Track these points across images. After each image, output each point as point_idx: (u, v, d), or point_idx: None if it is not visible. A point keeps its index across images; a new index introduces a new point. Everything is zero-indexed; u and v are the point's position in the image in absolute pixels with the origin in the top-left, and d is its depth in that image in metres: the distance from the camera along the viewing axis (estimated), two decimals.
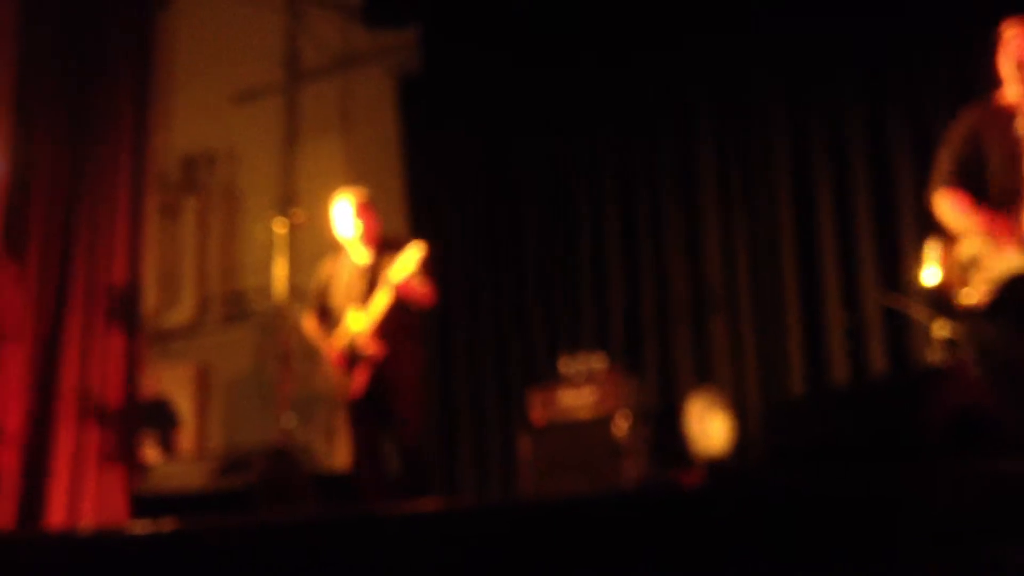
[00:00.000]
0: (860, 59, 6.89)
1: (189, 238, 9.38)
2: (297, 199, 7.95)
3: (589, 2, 7.49)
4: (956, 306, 3.79)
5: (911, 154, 6.52)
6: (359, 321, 5.27)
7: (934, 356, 5.51)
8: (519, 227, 7.88)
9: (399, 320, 5.26)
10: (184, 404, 8.38)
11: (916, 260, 5.21)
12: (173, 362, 8.83)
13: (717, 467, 5.71)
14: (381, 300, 5.21)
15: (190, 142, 9.19)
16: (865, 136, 6.88)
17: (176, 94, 8.08)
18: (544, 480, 5.79)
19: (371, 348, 5.24)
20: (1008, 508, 2.30)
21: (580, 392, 6.01)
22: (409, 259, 5.14)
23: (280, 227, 6.12)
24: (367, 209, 5.51)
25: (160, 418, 7.74)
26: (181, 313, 9.22)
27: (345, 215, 5.48)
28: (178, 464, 7.01)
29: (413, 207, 8.15)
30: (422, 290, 5.27)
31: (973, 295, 3.69)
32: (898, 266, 6.49)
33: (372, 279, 5.33)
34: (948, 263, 3.81)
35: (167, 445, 7.69)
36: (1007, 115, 3.62)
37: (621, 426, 5.71)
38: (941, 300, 3.89)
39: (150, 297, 8.14)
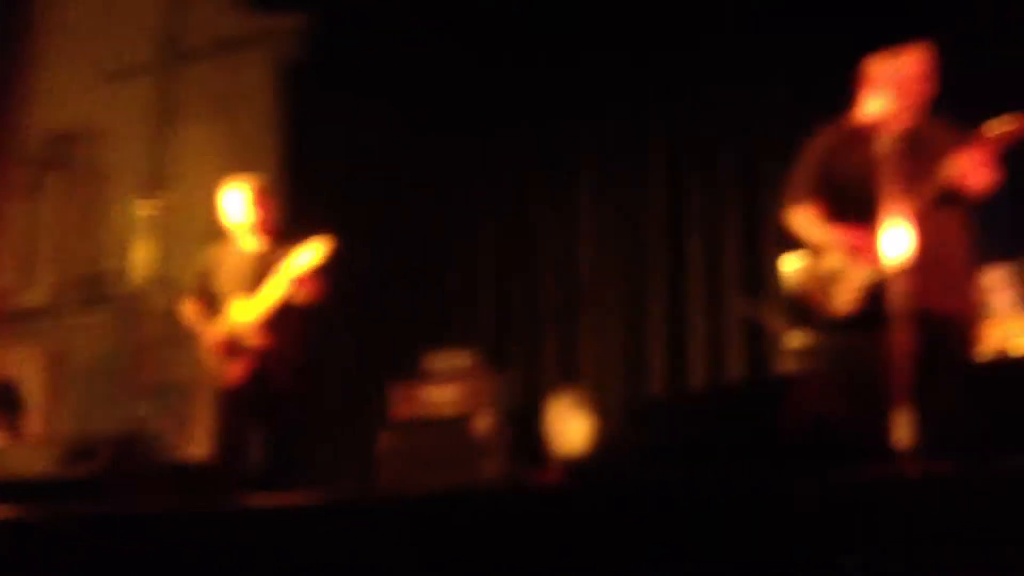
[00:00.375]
0: (732, 73, 7.04)
1: (49, 217, 9.05)
2: (167, 182, 7.74)
3: None
4: (815, 317, 3.89)
5: (780, 165, 6.67)
6: (245, 310, 5.15)
7: (788, 365, 5.65)
8: (392, 220, 7.81)
9: (287, 313, 5.16)
10: (35, 388, 8.09)
11: (777, 270, 5.34)
12: (26, 344, 8.52)
13: (576, 466, 5.75)
14: (273, 291, 5.10)
15: (58, 119, 8.87)
16: (737, 144, 7.03)
17: (47, 70, 7.80)
18: (402, 476, 5.75)
19: (256, 339, 5.12)
20: (850, 515, 2.36)
21: (443, 388, 5.98)
22: (311, 253, 5.04)
23: (144, 210, 5.93)
24: (265, 197, 5.39)
25: (4, 401, 7.46)
26: (37, 294, 8.89)
27: (239, 202, 5.34)
28: (24, 449, 6.76)
29: (290, 195, 8.01)
30: (315, 285, 5.17)
31: (833, 306, 3.80)
32: (761, 276, 6.63)
33: (263, 269, 5.19)
34: (808, 275, 3.92)
35: (12, 429, 7.41)
36: (863, 135, 3.75)
37: (482, 424, 5.72)
38: (800, 311, 3.99)
39: (5, 276, 7.85)
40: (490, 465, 5.69)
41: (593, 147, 7.43)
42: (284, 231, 5.37)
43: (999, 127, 3.53)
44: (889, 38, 3.98)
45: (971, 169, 3.54)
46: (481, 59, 7.58)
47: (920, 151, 3.73)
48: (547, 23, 7.37)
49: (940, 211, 3.67)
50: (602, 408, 6.60)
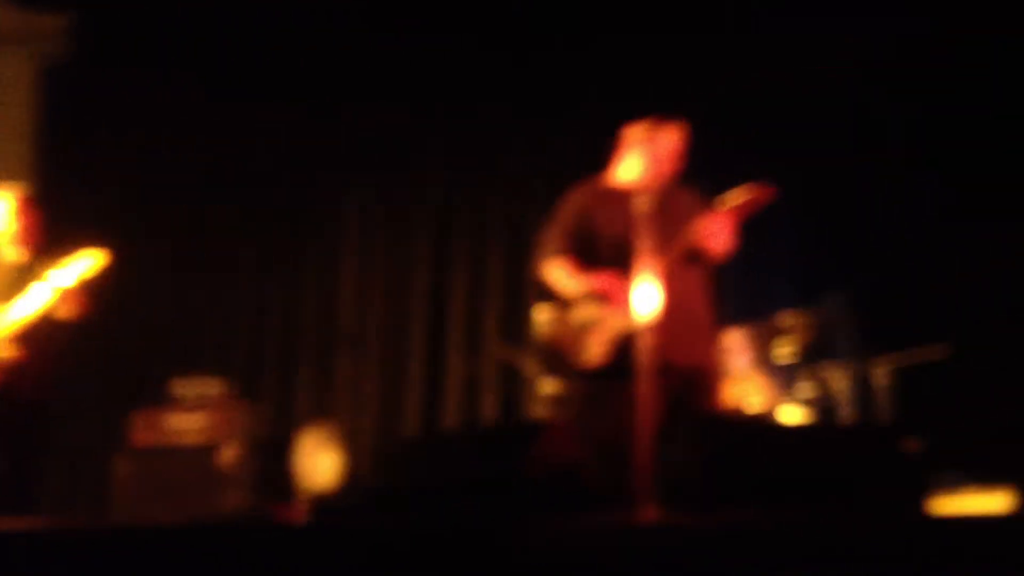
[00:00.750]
0: (508, 122, 7.22)
1: None
2: None
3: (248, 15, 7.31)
4: (566, 366, 3.98)
5: (543, 217, 6.84)
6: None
7: (540, 412, 5.77)
8: (149, 236, 7.52)
9: (43, 327, 4.86)
10: None
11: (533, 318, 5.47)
12: None
13: (322, 503, 5.67)
14: (32, 303, 4.80)
15: None
16: (504, 194, 7.19)
17: None
18: (139, 505, 5.51)
19: (6, 351, 4.81)
20: (586, 559, 2.41)
21: (190, 416, 5.78)
22: (82, 266, 4.77)
23: None
24: (29, 206, 5.11)
25: None
26: None
27: (1, 211, 5.04)
28: None
29: (44, 200, 7.57)
30: (81, 301, 4.89)
31: (584, 357, 3.90)
32: (519, 323, 6.76)
33: (21, 280, 4.89)
34: (560, 325, 4.01)
35: None
36: (617, 195, 3.92)
37: (227, 455, 5.55)
38: (552, 358, 4.08)
39: None
40: (233, 497, 5.53)
41: (360, 186, 7.41)
42: (47, 242, 5.10)
43: (736, 197, 3.75)
44: (643, 110, 4.18)
45: (713, 234, 3.74)
46: (255, 85, 7.45)
47: (670, 214, 3.92)
48: (324, 73, 7.33)
49: (686, 270, 3.86)
50: (353, 446, 6.54)
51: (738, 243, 3.84)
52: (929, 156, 6.41)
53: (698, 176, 4.21)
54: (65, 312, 4.89)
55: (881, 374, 5.71)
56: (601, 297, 3.86)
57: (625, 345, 3.76)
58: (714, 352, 4.10)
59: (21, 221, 5.08)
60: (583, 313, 3.93)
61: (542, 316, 4.10)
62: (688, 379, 3.76)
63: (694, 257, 3.86)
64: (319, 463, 6.07)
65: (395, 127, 7.38)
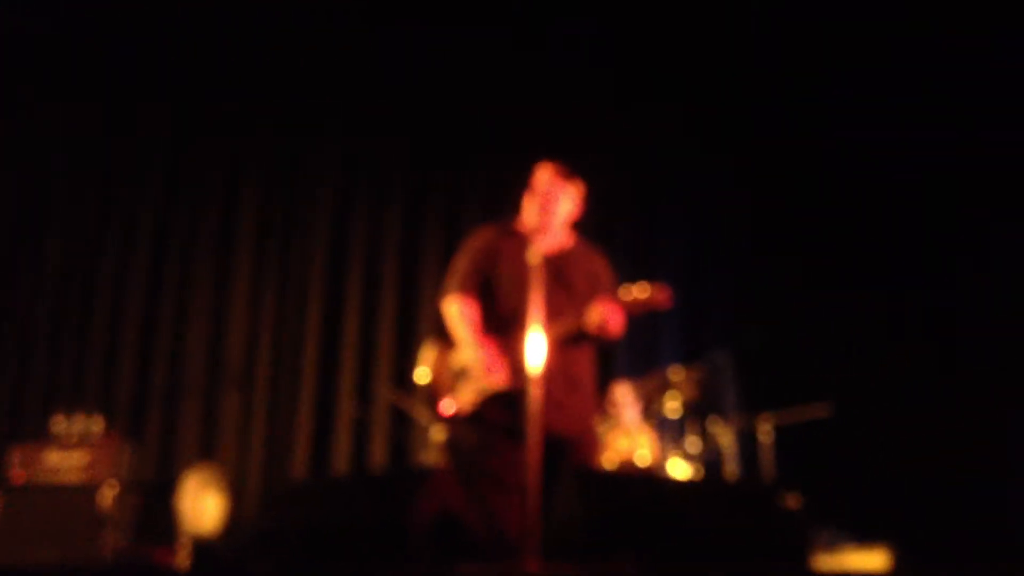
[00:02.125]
0: (402, 166, 7.28)
1: None
2: None
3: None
4: (441, 410, 3.98)
5: (439, 263, 6.89)
6: None
7: (430, 458, 5.76)
8: (35, 268, 7.35)
9: None
10: None
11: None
12: None
13: (203, 547, 5.56)
14: None
15: None
16: (398, 240, 7.22)
17: None
18: (15, 544, 5.32)
19: None
20: None
21: (69, 454, 5.62)
22: None
23: None
24: None
25: None
26: None
27: None
28: None
29: None
30: None
31: (458, 401, 3.91)
32: (411, 369, 6.76)
33: None
34: (441, 367, 4.01)
35: None
36: (521, 241, 3.92)
37: (107, 494, 5.42)
38: (433, 403, 4.07)
39: None
40: (113, 538, 5.39)
41: (252, 227, 7.34)
42: None
43: (632, 293, 3.80)
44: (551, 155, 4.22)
45: (604, 320, 3.78)
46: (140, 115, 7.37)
47: (567, 271, 3.96)
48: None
49: (573, 345, 3.90)
50: (238, 488, 6.44)
51: (626, 326, 3.89)
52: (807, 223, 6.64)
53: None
54: None
55: (765, 431, 5.83)
56: (480, 365, 3.86)
57: (501, 401, 3.78)
58: (592, 422, 4.13)
59: None
60: (464, 357, 3.94)
61: (427, 356, 4.08)
62: (565, 444, 3.79)
63: (583, 336, 3.90)
64: (203, 505, 5.96)
65: (288, 165, 7.37)
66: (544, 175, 4.07)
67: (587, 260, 4.12)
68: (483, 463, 3.79)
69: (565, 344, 3.86)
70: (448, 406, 3.90)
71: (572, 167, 4.12)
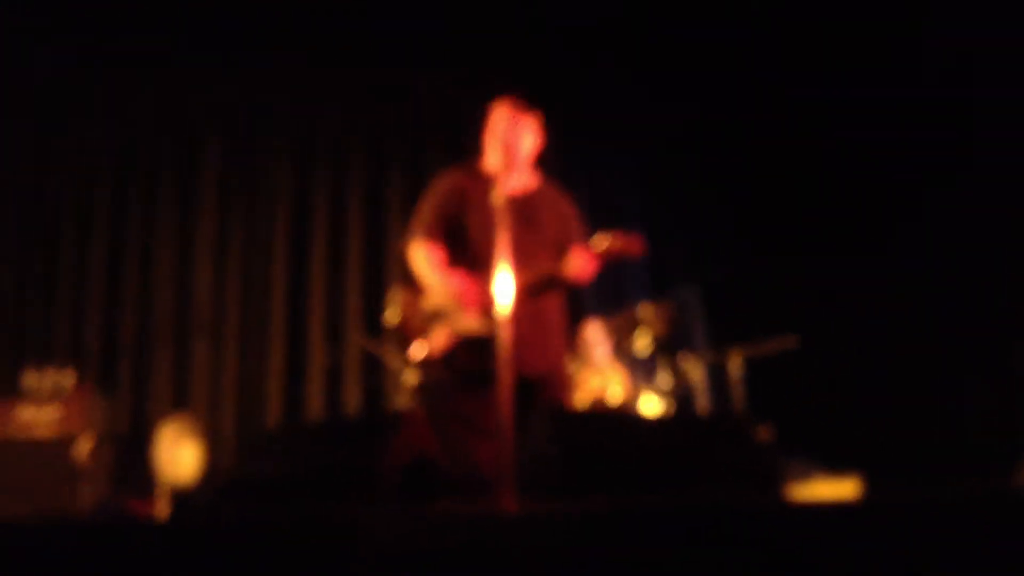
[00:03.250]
0: (365, 109, 7.22)
1: None
2: None
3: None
4: (413, 354, 4.00)
5: (404, 207, 6.87)
6: None
7: (403, 402, 5.78)
8: None
9: None
10: None
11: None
12: None
13: (182, 496, 5.58)
14: None
15: None
16: (363, 184, 7.20)
17: None
18: None
19: None
20: (443, 551, 2.44)
21: (42, 408, 5.62)
22: None
23: None
24: None
25: None
26: None
27: None
28: None
29: None
30: None
31: (430, 345, 3.92)
32: (381, 314, 6.76)
33: None
34: (412, 311, 4.01)
35: None
36: (487, 183, 3.89)
37: (82, 448, 5.42)
38: (405, 347, 4.08)
39: None
40: (89, 491, 5.40)
41: (216, 175, 7.29)
42: None
43: (606, 242, 3.80)
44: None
45: (579, 271, 3.80)
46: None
47: (532, 212, 3.95)
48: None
49: (543, 291, 3.92)
50: (213, 437, 6.46)
51: (597, 272, 3.90)
52: (783, 152, 6.63)
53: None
54: None
55: (735, 364, 5.89)
56: (454, 300, 3.87)
57: (472, 342, 3.79)
58: (562, 362, 4.15)
59: None
60: (435, 302, 3.94)
61: (396, 300, 4.08)
62: (536, 385, 3.81)
63: (553, 282, 3.92)
64: (178, 455, 5.97)
65: (251, 110, 7.31)
66: (502, 111, 4.04)
67: (555, 201, 4.11)
68: (455, 406, 3.82)
69: (537, 290, 3.87)
70: (419, 350, 3.92)
71: (527, 99, 4.09)
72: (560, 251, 3.94)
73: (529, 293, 3.82)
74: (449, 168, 4.24)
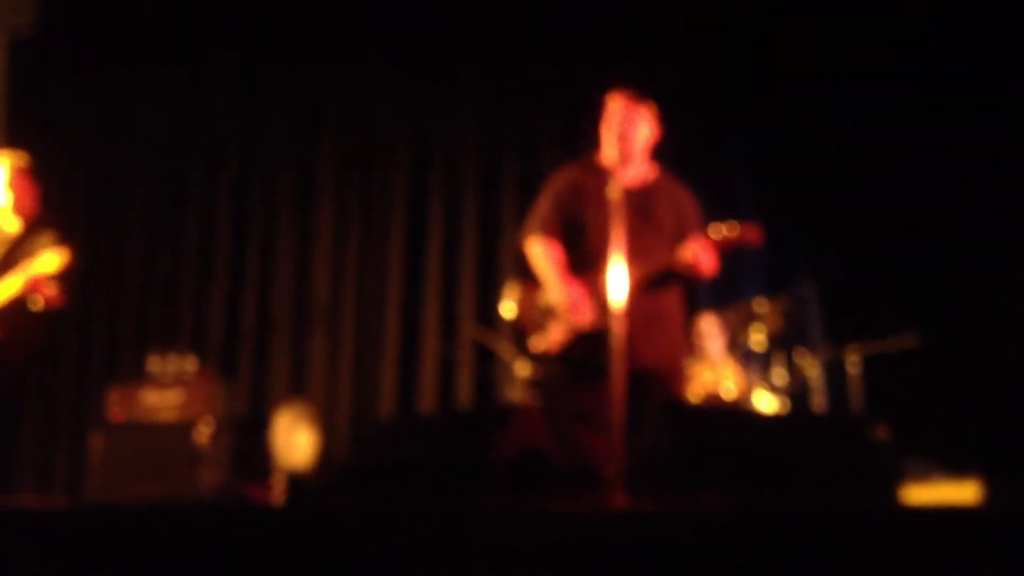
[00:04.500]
0: (480, 103, 7.24)
1: None
2: None
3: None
4: (530, 348, 3.99)
5: (519, 200, 6.87)
6: None
7: (515, 394, 5.80)
8: (125, 211, 7.52)
9: (21, 308, 4.75)
10: None
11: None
12: None
13: (297, 482, 5.69)
14: (12, 284, 4.69)
15: None
16: (478, 177, 7.22)
17: None
18: (115, 483, 5.51)
19: None
20: (553, 545, 2.44)
21: (165, 393, 5.78)
22: (47, 263, 4.66)
23: None
24: (24, 176, 4.94)
25: None
26: None
27: None
28: None
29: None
30: (52, 293, 4.76)
31: (546, 340, 3.91)
32: (495, 306, 6.79)
33: (14, 253, 4.77)
34: (528, 306, 4.01)
35: None
36: (604, 177, 3.87)
37: (203, 432, 5.56)
38: (520, 340, 4.08)
39: None
40: (209, 475, 5.54)
41: (334, 164, 7.41)
42: (47, 219, 4.95)
43: (723, 232, 3.75)
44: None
45: (697, 260, 3.74)
46: (222, 63, 7.47)
47: (647, 211, 3.91)
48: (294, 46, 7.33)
49: (662, 284, 3.87)
50: (329, 424, 6.57)
51: (718, 268, 3.84)
52: (904, 146, 6.45)
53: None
54: (39, 302, 4.78)
55: (853, 362, 5.77)
56: (565, 305, 3.84)
57: (587, 338, 3.78)
58: (679, 360, 4.11)
59: (17, 191, 4.96)
60: (550, 298, 3.93)
61: (512, 294, 4.09)
62: (651, 378, 3.77)
63: (671, 275, 3.87)
64: (295, 441, 6.10)
65: (369, 104, 7.40)
66: (616, 103, 4.00)
67: (673, 194, 4.06)
68: (569, 399, 3.81)
69: (654, 283, 3.84)
70: (537, 344, 3.92)
71: (642, 89, 4.05)
72: (678, 243, 3.89)
73: (647, 286, 3.79)
74: (566, 163, 4.23)
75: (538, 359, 3.96)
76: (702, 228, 3.90)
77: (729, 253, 3.85)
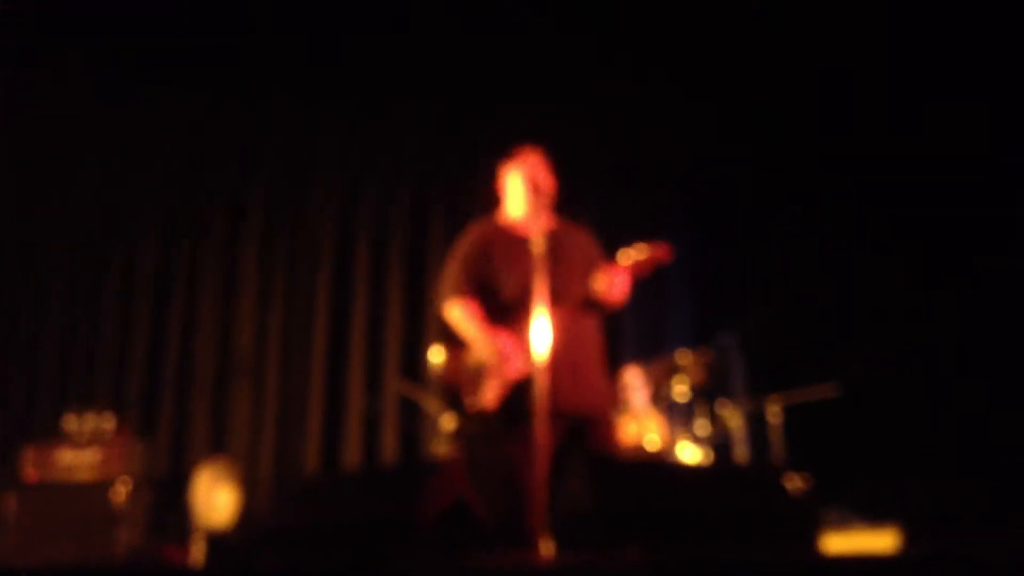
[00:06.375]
0: (408, 161, 7.28)
1: None
2: None
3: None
4: (464, 405, 4.00)
5: (443, 253, 6.88)
6: None
7: (440, 448, 5.78)
8: (42, 265, 7.39)
9: None
10: None
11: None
12: None
13: (219, 542, 5.59)
14: None
15: None
16: (404, 232, 7.23)
17: None
18: (30, 545, 5.36)
19: None
20: None
21: (81, 452, 5.65)
22: None
23: None
24: None
25: None
26: None
27: None
28: None
29: None
30: None
31: (483, 398, 3.92)
32: (420, 359, 6.78)
33: None
34: (457, 367, 4.02)
35: None
36: (515, 234, 3.96)
37: (120, 491, 5.45)
38: (451, 397, 4.09)
39: None
40: (127, 535, 5.42)
41: (259, 216, 7.37)
42: None
43: (632, 256, 3.84)
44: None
45: (610, 286, 3.82)
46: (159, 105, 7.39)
47: (564, 254, 3.98)
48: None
49: (580, 317, 3.93)
50: (250, 482, 6.47)
51: (630, 293, 3.93)
52: (820, 202, 6.60)
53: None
54: None
55: (774, 412, 5.84)
56: (494, 355, 3.87)
57: (519, 388, 3.80)
58: (606, 400, 4.13)
59: None
60: (480, 355, 3.94)
61: (437, 357, 4.10)
62: (578, 426, 3.79)
63: (589, 305, 3.94)
64: (215, 500, 5.99)
65: (295, 156, 7.39)
66: (527, 158, 4.12)
67: (575, 236, 4.16)
68: (499, 453, 3.81)
69: (572, 322, 3.88)
70: (473, 403, 3.93)
71: (546, 149, 4.17)
72: (590, 278, 3.98)
73: (567, 322, 3.84)
74: (476, 221, 4.28)
75: (475, 418, 3.96)
76: (608, 260, 3.99)
77: (643, 275, 3.93)
